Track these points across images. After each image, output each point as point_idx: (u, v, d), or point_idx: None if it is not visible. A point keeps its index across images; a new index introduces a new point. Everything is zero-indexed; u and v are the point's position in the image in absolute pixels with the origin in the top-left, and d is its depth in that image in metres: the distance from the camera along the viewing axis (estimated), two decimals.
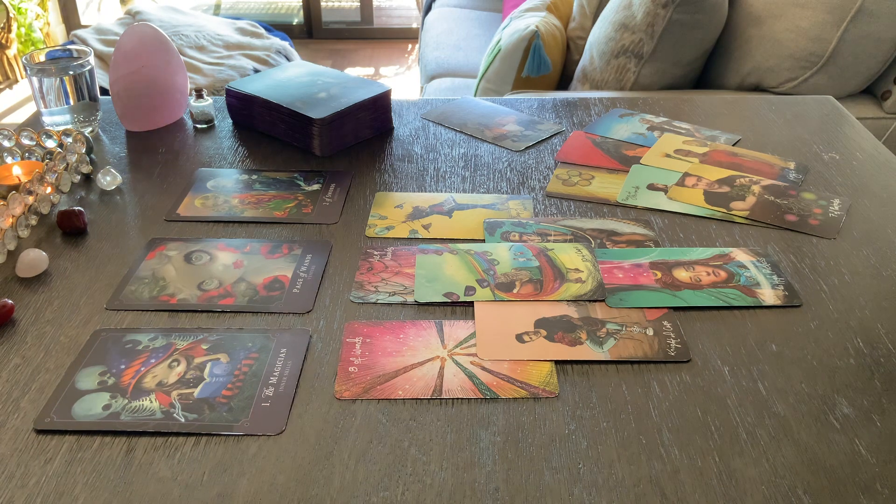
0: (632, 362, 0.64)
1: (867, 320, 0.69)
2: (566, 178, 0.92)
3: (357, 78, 1.04)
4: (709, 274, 0.74)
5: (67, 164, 0.88)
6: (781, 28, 1.48)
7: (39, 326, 0.68)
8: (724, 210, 0.85)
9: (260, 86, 1.02)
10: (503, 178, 0.92)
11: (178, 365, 0.64)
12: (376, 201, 0.87)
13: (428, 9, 2.78)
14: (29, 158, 0.92)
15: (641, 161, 0.95)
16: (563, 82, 1.83)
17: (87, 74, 0.98)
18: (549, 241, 0.80)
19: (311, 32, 3.94)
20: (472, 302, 0.71)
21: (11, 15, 3.08)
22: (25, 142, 0.93)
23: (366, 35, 3.95)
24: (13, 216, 0.78)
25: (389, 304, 0.71)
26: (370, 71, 3.55)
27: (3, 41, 3.10)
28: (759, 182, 0.90)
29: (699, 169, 0.93)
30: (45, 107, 0.99)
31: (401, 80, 3.45)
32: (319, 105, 0.96)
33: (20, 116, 2.99)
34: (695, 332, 0.67)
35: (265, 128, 1.02)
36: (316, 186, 0.90)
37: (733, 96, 1.16)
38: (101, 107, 1.03)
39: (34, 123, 1.04)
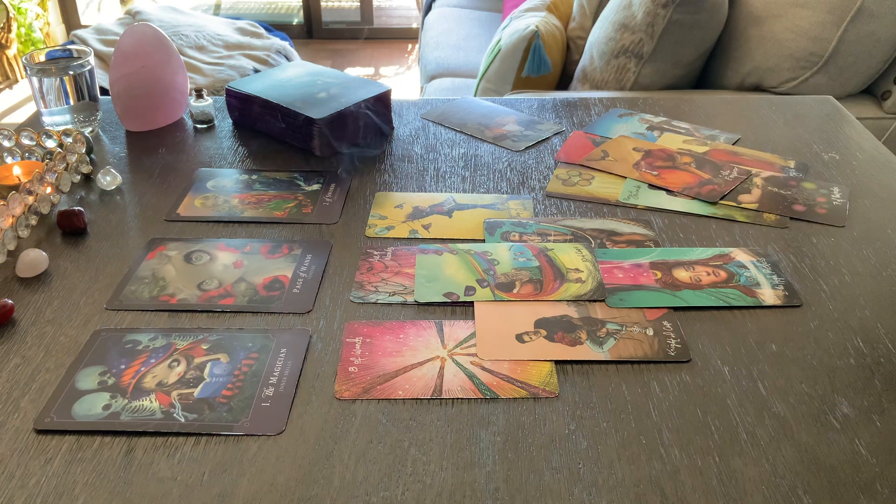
0: (632, 362, 0.64)
1: (867, 320, 0.69)
2: (566, 178, 0.92)
3: (357, 78, 1.04)
4: (709, 274, 0.74)
5: (67, 164, 0.88)
6: (781, 28, 1.48)
7: (39, 326, 0.68)
8: (734, 203, 0.85)
9: (260, 86, 1.02)
10: (503, 178, 0.92)
11: (178, 365, 0.64)
12: (376, 201, 0.87)
13: (428, 9, 2.78)
14: (29, 158, 0.92)
15: None
16: (563, 82, 1.83)
17: (87, 74, 0.98)
18: (549, 241, 0.80)
19: (311, 32, 3.94)
20: (472, 302, 0.71)
21: (11, 15, 3.08)
22: (25, 142, 0.93)
23: (366, 35, 3.95)
24: (13, 216, 0.78)
25: (389, 304, 0.71)
26: (370, 71, 3.54)
27: (3, 41, 3.10)
28: (760, 174, 0.91)
29: None
30: (45, 107, 0.99)
31: (401, 80, 3.45)
32: (319, 105, 0.96)
33: (20, 116, 2.99)
34: (695, 332, 0.67)
35: (265, 128, 1.02)
36: (316, 186, 0.90)
37: (733, 96, 1.16)
38: (101, 107, 1.04)
39: (34, 123, 1.04)
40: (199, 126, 1.05)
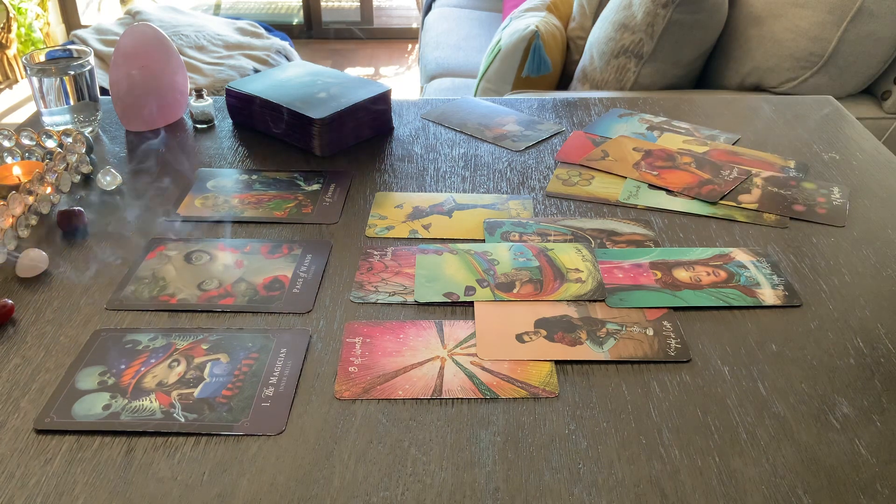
0: (632, 362, 0.64)
1: (867, 320, 0.69)
2: (566, 178, 0.92)
3: (357, 78, 1.04)
4: (709, 274, 0.74)
5: (67, 164, 0.88)
6: (781, 28, 1.48)
7: (39, 326, 0.68)
8: (734, 203, 0.85)
9: (260, 86, 1.02)
10: (503, 178, 0.92)
11: (178, 365, 0.64)
12: (376, 201, 0.87)
13: (428, 9, 2.78)
14: (29, 158, 0.92)
15: None
16: (563, 82, 1.83)
17: (87, 74, 0.98)
18: (549, 241, 0.80)
19: (311, 32, 3.94)
20: (472, 302, 0.71)
21: (11, 15, 3.08)
22: (25, 142, 0.93)
23: (366, 35, 3.95)
24: (13, 216, 0.78)
25: (389, 304, 0.71)
26: (370, 71, 3.54)
27: (3, 41, 3.10)
28: (760, 174, 0.91)
29: None
30: (45, 107, 0.99)
31: (401, 80, 3.45)
32: (319, 105, 0.96)
33: (20, 116, 2.99)
34: (695, 332, 0.67)
35: (265, 128, 1.02)
36: (316, 186, 0.90)
37: (733, 96, 1.16)
38: (101, 107, 1.04)
39: (34, 123, 1.04)
40: (199, 126, 1.05)
